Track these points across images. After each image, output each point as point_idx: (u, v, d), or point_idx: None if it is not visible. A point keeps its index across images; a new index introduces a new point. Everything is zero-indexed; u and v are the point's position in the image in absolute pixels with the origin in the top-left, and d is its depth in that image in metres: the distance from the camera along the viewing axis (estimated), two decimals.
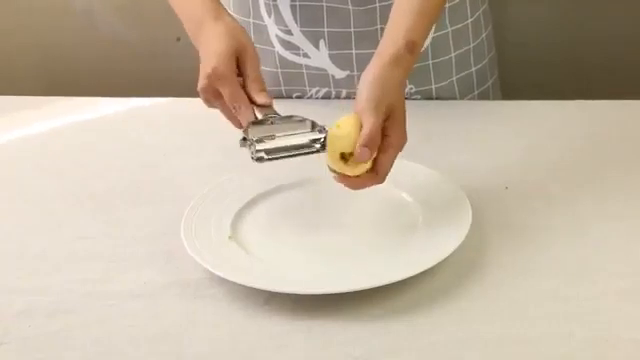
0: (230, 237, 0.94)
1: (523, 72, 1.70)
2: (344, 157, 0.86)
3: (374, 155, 0.87)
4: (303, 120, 0.89)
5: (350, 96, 1.25)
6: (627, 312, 0.81)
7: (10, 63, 1.95)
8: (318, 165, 0.92)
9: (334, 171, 0.88)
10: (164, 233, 0.96)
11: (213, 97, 0.95)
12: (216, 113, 1.00)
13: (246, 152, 0.88)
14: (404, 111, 0.90)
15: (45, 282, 0.90)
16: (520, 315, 0.81)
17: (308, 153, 0.88)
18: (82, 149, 1.22)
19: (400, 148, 0.89)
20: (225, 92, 0.93)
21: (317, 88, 1.28)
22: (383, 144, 0.87)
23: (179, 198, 1.02)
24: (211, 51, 0.95)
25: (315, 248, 0.92)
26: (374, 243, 0.92)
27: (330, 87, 1.27)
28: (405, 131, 0.89)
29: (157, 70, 1.89)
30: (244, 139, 0.87)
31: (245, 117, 0.92)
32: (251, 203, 1.00)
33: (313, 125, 0.89)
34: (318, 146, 0.88)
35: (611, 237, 0.92)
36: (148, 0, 1.85)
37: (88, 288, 0.89)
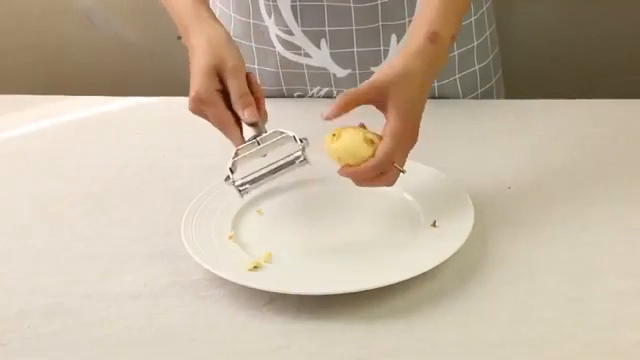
0: (230, 237, 0.93)
1: (526, 71, 1.70)
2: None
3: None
4: (286, 135, 0.92)
5: None
6: (630, 313, 0.81)
7: (10, 63, 1.94)
8: (318, 166, 0.91)
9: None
10: (164, 233, 0.96)
11: (203, 117, 0.97)
12: None
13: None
14: (418, 105, 0.90)
15: (45, 282, 0.90)
16: (522, 316, 0.81)
17: (290, 171, 0.92)
18: (82, 149, 1.22)
19: (407, 140, 0.88)
20: (210, 116, 0.95)
21: (318, 87, 1.28)
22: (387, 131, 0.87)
23: (179, 198, 1.02)
24: (194, 69, 0.96)
25: (316, 249, 0.92)
26: (376, 244, 0.92)
27: (331, 86, 1.27)
28: (417, 126, 0.89)
29: (157, 70, 1.89)
30: (228, 177, 0.91)
31: (233, 138, 0.94)
32: (251, 203, 1.00)
33: (295, 139, 0.91)
34: (300, 162, 0.90)
35: (614, 237, 0.92)
36: (148, 0, 1.85)
37: (88, 288, 0.88)
